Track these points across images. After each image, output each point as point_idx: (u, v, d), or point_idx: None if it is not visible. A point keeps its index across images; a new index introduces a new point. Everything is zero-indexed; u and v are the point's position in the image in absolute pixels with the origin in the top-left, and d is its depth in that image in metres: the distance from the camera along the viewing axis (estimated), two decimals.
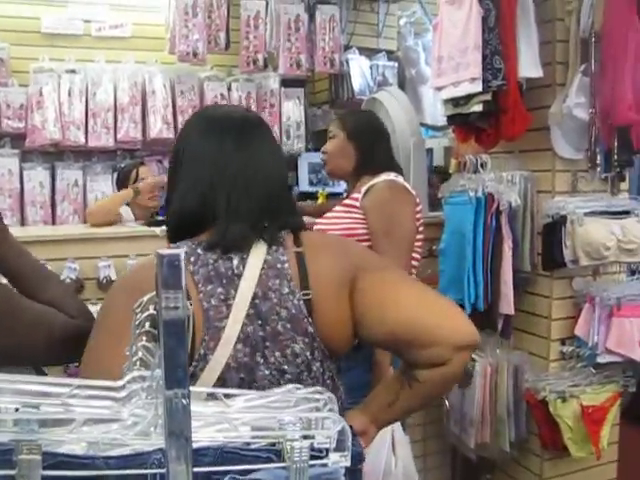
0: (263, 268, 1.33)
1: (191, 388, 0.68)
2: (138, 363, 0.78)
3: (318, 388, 0.84)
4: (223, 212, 1.37)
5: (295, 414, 0.78)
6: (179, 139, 1.52)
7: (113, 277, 2.98)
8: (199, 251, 1.34)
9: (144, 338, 0.80)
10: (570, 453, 3.05)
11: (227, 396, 0.78)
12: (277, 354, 1.31)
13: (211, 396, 0.78)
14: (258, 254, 1.35)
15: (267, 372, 1.30)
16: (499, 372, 3.16)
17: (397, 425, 2.45)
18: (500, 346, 3.23)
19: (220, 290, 1.30)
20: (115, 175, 4.27)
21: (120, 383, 0.72)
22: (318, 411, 0.80)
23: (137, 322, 0.75)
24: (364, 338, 1.44)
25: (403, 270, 1.71)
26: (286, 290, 1.33)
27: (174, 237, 1.44)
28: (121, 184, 3.90)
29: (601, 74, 2.85)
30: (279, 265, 1.35)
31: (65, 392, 0.69)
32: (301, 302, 1.33)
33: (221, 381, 1.26)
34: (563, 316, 3.11)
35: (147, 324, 0.79)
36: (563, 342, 3.12)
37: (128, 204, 3.83)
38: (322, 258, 1.39)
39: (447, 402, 3.30)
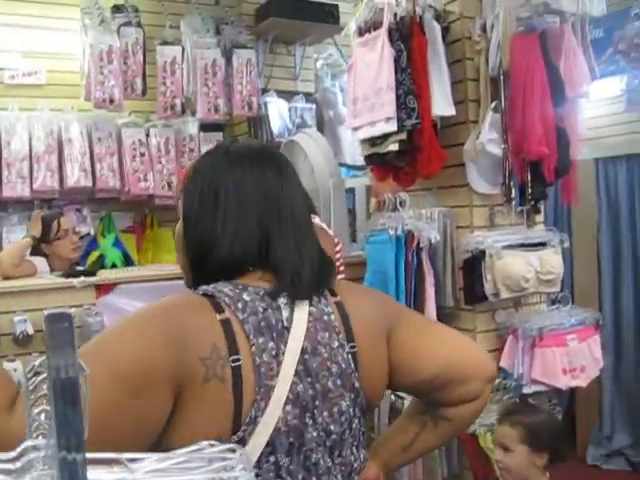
0: (310, 320, 1.22)
1: (89, 455, 0.64)
2: (38, 429, 0.74)
3: (231, 446, 0.81)
4: (285, 254, 1.25)
5: (206, 475, 0.75)
6: (203, 178, 1.30)
7: (30, 331, 2.88)
8: (245, 297, 1.19)
9: (44, 401, 0.76)
10: None
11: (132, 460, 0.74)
12: (325, 414, 1.21)
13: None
14: (302, 304, 1.23)
15: (315, 434, 1.20)
16: None
17: None
18: None
19: (272, 345, 1.17)
20: None
21: (13, 454, 0.68)
22: (230, 470, 0.77)
23: (32, 387, 0.72)
24: (398, 386, 1.40)
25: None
26: (336, 344, 1.23)
27: (195, 283, 1.27)
28: (42, 236, 3.80)
29: (511, 110, 2.94)
30: (325, 317, 1.25)
31: None
32: (349, 356, 1.24)
33: (270, 447, 1.14)
34: (488, 349, 3.13)
35: (44, 387, 0.75)
36: None
37: (46, 255, 3.74)
38: (360, 308, 1.31)
39: None
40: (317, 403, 1.20)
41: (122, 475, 0.73)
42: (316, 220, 2.64)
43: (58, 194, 4.40)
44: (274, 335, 1.18)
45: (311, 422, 1.19)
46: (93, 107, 4.20)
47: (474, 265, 2.99)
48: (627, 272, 4.61)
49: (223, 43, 4.49)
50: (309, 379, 1.19)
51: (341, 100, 4.96)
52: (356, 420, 1.27)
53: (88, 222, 4.59)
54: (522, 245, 3.03)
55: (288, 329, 1.19)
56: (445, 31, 3.04)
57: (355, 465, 1.28)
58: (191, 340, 1.11)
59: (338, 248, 2.67)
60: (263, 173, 1.28)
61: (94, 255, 4.52)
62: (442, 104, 2.96)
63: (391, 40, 2.93)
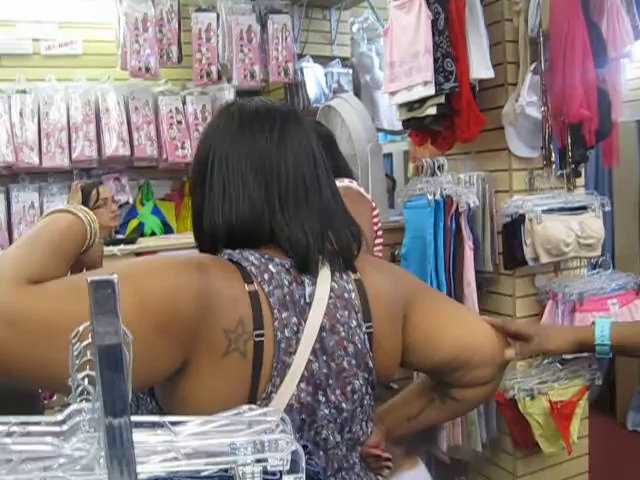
0: (331, 297, 1.19)
1: (134, 417, 0.65)
2: (82, 394, 0.76)
3: (270, 409, 0.82)
4: (281, 221, 1.19)
5: (247, 437, 0.76)
6: (204, 143, 1.28)
7: None
8: (271, 268, 1.16)
9: (88, 367, 0.77)
10: (542, 450, 3.06)
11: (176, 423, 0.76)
12: (337, 392, 1.19)
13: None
14: (324, 280, 1.20)
15: (327, 411, 1.18)
16: None
17: None
18: None
19: (294, 320, 1.14)
20: None
21: (60, 417, 0.70)
22: (270, 433, 0.78)
23: (76, 352, 0.73)
24: (413, 366, 1.39)
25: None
26: (354, 323, 1.20)
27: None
28: (82, 204, 3.85)
29: (551, 72, 2.88)
30: (346, 295, 1.21)
31: (1, 430, 0.66)
32: (366, 336, 1.21)
33: None
34: (527, 314, 3.12)
35: (88, 353, 0.77)
36: None
37: None
38: (379, 286, 1.27)
39: None
40: (331, 382, 1.18)
41: (166, 437, 0.74)
42: (353, 184, 2.65)
43: (97, 163, 4.45)
44: (297, 311, 1.15)
45: (324, 400, 1.17)
46: (129, 76, 4.22)
47: (513, 230, 2.96)
48: None
49: (258, 9, 4.45)
50: (324, 357, 1.17)
51: (378, 64, 4.91)
52: (367, 397, 1.25)
53: (127, 191, 4.63)
54: (562, 209, 2.99)
55: (310, 305, 1.16)
56: None
57: (362, 439, 1.27)
58: (219, 309, 1.07)
59: (375, 212, 2.67)
60: (256, 138, 1.22)
61: (133, 223, 4.57)
62: (480, 67, 2.91)
63: (428, 2, 2.88)
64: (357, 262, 1.28)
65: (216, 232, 1.21)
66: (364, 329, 1.21)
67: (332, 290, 1.19)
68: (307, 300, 1.16)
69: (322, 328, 1.16)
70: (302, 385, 1.14)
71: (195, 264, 1.11)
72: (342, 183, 2.61)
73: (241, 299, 1.10)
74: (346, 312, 1.20)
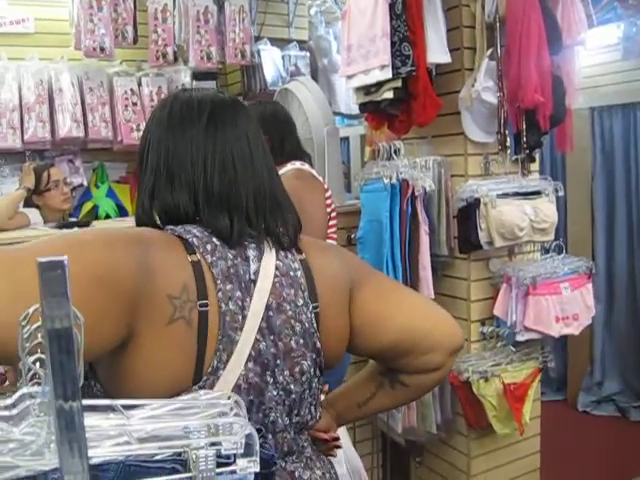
0: (276, 275, 1.19)
1: (85, 401, 0.65)
2: (33, 378, 0.75)
3: (224, 392, 0.82)
4: (203, 210, 1.20)
5: (201, 421, 0.76)
6: (144, 132, 1.32)
7: None
8: (215, 240, 1.17)
9: (38, 350, 0.76)
10: (495, 431, 3.11)
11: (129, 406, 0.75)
12: (286, 373, 1.18)
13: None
14: (269, 258, 1.20)
15: (275, 393, 1.17)
16: None
17: None
18: None
19: (238, 294, 1.14)
20: None
21: (10, 401, 0.68)
22: (224, 416, 0.77)
23: (26, 335, 0.72)
24: (358, 349, 1.35)
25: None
26: (301, 302, 1.20)
27: None
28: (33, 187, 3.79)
29: (507, 58, 2.91)
30: (292, 273, 1.22)
31: None
32: (312, 315, 1.21)
33: None
34: (482, 297, 3.16)
35: (39, 335, 0.76)
36: (483, 323, 3.18)
37: (38, 207, 3.73)
38: (325, 267, 1.28)
39: None
40: (278, 362, 1.17)
41: (119, 421, 0.73)
42: (305, 166, 2.65)
43: (50, 145, 4.36)
44: (242, 285, 1.15)
45: (272, 380, 1.17)
46: (83, 56, 4.13)
47: (469, 214, 2.99)
48: (620, 221, 4.64)
49: None
50: (272, 337, 1.16)
51: (335, 48, 4.89)
52: (315, 380, 1.25)
53: (81, 173, 4.56)
54: (517, 194, 3.02)
55: (254, 282, 1.16)
56: None
57: (310, 423, 1.27)
58: (162, 276, 1.07)
59: (328, 194, 2.67)
60: (184, 126, 1.23)
61: (88, 206, 4.50)
62: (437, 51, 2.92)
63: None
64: (301, 244, 1.30)
65: (150, 218, 1.24)
66: (310, 308, 1.21)
67: (277, 268, 1.20)
68: (252, 277, 1.17)
69: (268, 307, 1.16)
70: (250, 365, 1.13)
71: (135, 235, 1.12)
72: (294, 165, 2.61)
73: (184, 267, 1.10)
74: (292, 290, 1.20)
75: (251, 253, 1.19)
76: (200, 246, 1.13)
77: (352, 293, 1.29)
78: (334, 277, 1.28)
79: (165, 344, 1.06)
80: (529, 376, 3.10)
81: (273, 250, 1.22)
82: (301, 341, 1.19)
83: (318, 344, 1.22)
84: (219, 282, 1.12)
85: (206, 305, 1.09)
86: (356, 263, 1.41)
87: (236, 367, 1.11)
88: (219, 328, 1.10)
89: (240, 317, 1.13)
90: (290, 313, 1.18)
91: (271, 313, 1.16)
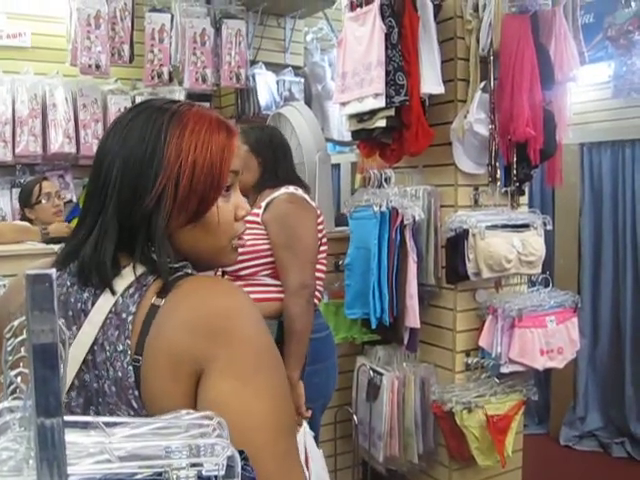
0: (111, 312, 1.04)
1: (67, 417, 0.64)
2: (15, 392, 0.74)
3: (208, 413, 0.81)
4: (80, 225, 1.16)
5: (183, 441, 0.75)
6: None
7: None
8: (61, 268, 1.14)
9: (21, 364, 0.76)
10: (477, 462, 3.10)
11: (110, 424, 0.74)
12: (108, 415, 1.02)
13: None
14: (108, 294, 1.06)
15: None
16: (406, 385, 3.19)
17: (310, 440, 2.46)
18: (406, 359, 3.27)
19: (63, 321, 0.99)
20: (16, 190, 4.13)
21: None
22: (207, 437, 0.77)
23: (10, 348, 0.71)
24: None
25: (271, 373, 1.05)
26: (120, 347, 1.02)
27: None
28: (24, 200, 3.79)
29: (499, 91, 2.94)
30: (124, 315, 1.04)
31: None
32: (129, 367, 1.01)
33: None
34: (467, 328, 3.17)
35: (22, 349, 0.75)
36: (468, 353, 3.18)
37: (30, 220, 3.71)
38: (176, 327, 1.01)
39: (355, 417, 3.32)
40: (100, 400, 1.04)
41: (99, 439, 0.73)
42: (298, 191, 2.66)
43: (41, 159, 4.37)
44: (69, 313, 1.07)
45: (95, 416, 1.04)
46: (79, 73, 4.14)
47: (457, 244, 3.00)
48: (607, 257, 4.65)
49: (213, 12, 4.43)
50: (95, 371, 1.04)
51: (330, 75, 4.93)
52: None
53: (71, 189, 4.56)
54: (505, 226, 3.04)
55: (85, 313, 1.06)
56: (437, 9, 3.01)
57: None
58: (10, 295, 1.12)
59: (320, 219, 2.68)
60: (106, 138, 1.15)
61: (76, 222, 4.47)
62: (431, 82, 2.95)
63: (382, 16, 2.91)
64: (181, 285, 1.05)
65: None
66: (128, 359, 1.02)
67: (116, 305, 1.05)
68: (83, 307, 1.07)
69: (95, 341, 1.04)
70: (72, 394, 1.05)
71: None
72: (287, 190, 2.62)
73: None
74: (117, 332, 1.04)
75: (92, 285, 1.10)
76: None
77: (199, 372, 0.99)
78: (177, 337, 1.02)
79: None
80: (512, 408, 3.10)
81: (124, 284, 1.08)
82: (113, 388, 1.04)
83: (135, 403, 1.03)
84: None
85: None
86: (221, 334, 1.03)
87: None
88: None
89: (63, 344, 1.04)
90: (108, 354, 1.05)
91: (96, 348, 1.05)
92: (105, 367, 1.03)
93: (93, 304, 1.06)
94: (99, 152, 1.15)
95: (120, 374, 1.02)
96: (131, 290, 1.05)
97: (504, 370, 3.03)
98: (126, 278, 1.07)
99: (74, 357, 1.03)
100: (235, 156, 1.14)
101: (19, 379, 0.75)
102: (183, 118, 1.10)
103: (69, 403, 1.04)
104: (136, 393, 1.01)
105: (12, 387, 0.74)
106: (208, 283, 1.09)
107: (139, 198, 1.07)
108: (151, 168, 1.07)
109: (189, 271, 1.11)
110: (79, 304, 1.08)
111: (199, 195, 1.09)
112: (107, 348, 1.03)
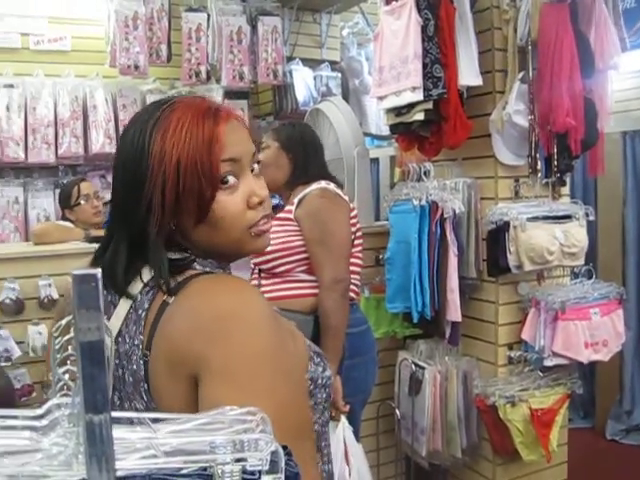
0: (131, 307, 1.09)
1: (114, 413, 0.65)
2: (63, 389, 0.76)
3: (251, 409, 0.82)
4: (108, 228, 1.18)
5: (227, 436, 0.76)
6: None
7: (55, 296, 2.91)
8: None
9: (68, 362, 0.77)
10: (521, 457, 3.07)
11: (156, 420, 0.75)
12: (126, 405, 1.07)
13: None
14: (133, 290, 1.10)
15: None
16: (449, 379, 3.17)
17: (349, 435, 2.47)
18: (448, 353, 3.25)
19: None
20: (57, 191, 4.20)
21: (40, 411, 0.69)
22: (250, 432, 0.77)
23: (58, 346, 0.72)
24: None
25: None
26: (136, 341, 1.05)
27: None
28: (64, 201, 3.86)
29: (539, 81, 2.90)
30: (140, 311, 1.07)
31: None
32: (141, 362, 1.04)
33: None
34: (510, 321, 3.14)
35: (70, 347, 0.76)
36: (510, 347, 3.15)
37: (71, 220, 3.77)
38: (176, 320, 1.02)
39: (398, 412, 3.31)
40: (121, 387, 1.07)
41: (145, 435, 0.74)
42: (330, 186, 2.66)
43: (83, 160, 4.44)
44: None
45: (118, 402, 1.09)
46: (118, 74, 4.20)
47: (498, 237, 2.97)
48: None
49: (249, 10, 4.45)
50: (117, 361, 1.08)
51: (367, 69, 4.92)
52: None
53: None
54: (547, 217, 3.00)
55: (114, 305, 1.11)
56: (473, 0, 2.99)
57: None
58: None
59: (354, 214, 2.69)
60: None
61: None
62: (469, 74, 2.92)
63: (418, 8, 2.89)
64: (191, 285, 1.06)
65: None
66: (140, 354, 1.04)
67: (135, 301, 1.09)
68: (112, 299, 1.13)
69: (119, 333, 1.09)
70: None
71: None
72: (319, 185, 2.63)
73: None
74: (134, 327, 1.07)
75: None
76: None
77: (196, 375, 0.98)
78: (176, 337, 1.04)
79: None
80: (557, 402, 3.06)
81: (141, 283, 1.12)
82: (130, 379, 1.08)
83: (145, 396, 1.06)
84: None
85: None
86: (220, 341, 1.01)
87: None
88: None
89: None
90: (127, 347, 1.09)
91: (120, 339, 1.11)
92: (126, 358, 1.07)
93: (120, 298, 1.11)
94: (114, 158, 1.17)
95: (135, 367, 1.05)
96: (147, 288, 1.09)
97: (547, 363, 2.99)
98: (144, 278, 1.10)
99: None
100: (238, 142, 1.11)
101: (67, 376, 0.77)
102: (166, 120, 1.08)
103: None
104: (145, 387, 1.03)
105: (60, 384, 0.76)
106: (216, 283, 1.08)
107: (134, 207, 1.08)
108: (139, 179, 1.07)
109: (207, 269, 1.12)
110: (109, 296, 1.13)
111: (194, 194, 1.06)
112: (127, 341, 1.08)
